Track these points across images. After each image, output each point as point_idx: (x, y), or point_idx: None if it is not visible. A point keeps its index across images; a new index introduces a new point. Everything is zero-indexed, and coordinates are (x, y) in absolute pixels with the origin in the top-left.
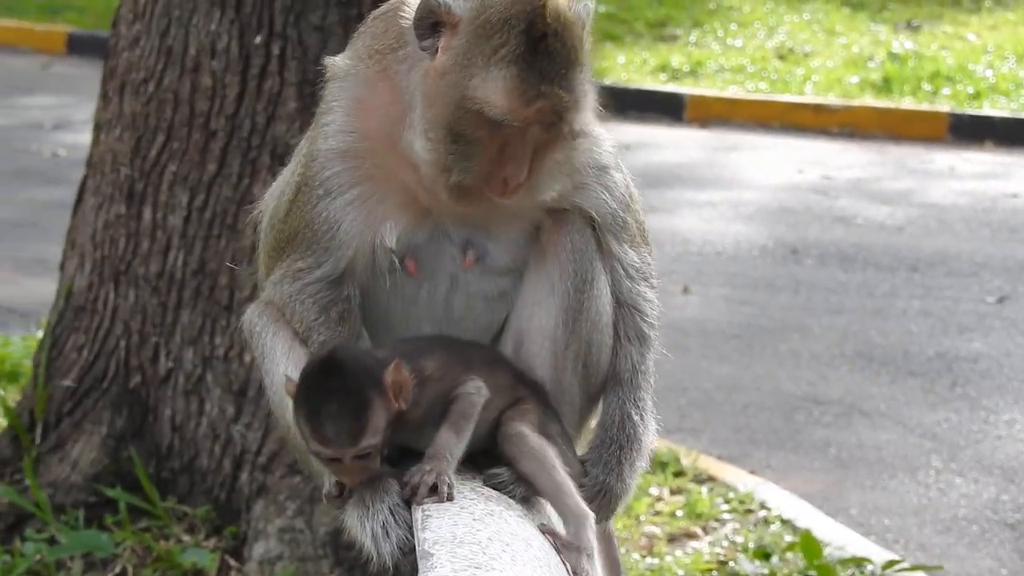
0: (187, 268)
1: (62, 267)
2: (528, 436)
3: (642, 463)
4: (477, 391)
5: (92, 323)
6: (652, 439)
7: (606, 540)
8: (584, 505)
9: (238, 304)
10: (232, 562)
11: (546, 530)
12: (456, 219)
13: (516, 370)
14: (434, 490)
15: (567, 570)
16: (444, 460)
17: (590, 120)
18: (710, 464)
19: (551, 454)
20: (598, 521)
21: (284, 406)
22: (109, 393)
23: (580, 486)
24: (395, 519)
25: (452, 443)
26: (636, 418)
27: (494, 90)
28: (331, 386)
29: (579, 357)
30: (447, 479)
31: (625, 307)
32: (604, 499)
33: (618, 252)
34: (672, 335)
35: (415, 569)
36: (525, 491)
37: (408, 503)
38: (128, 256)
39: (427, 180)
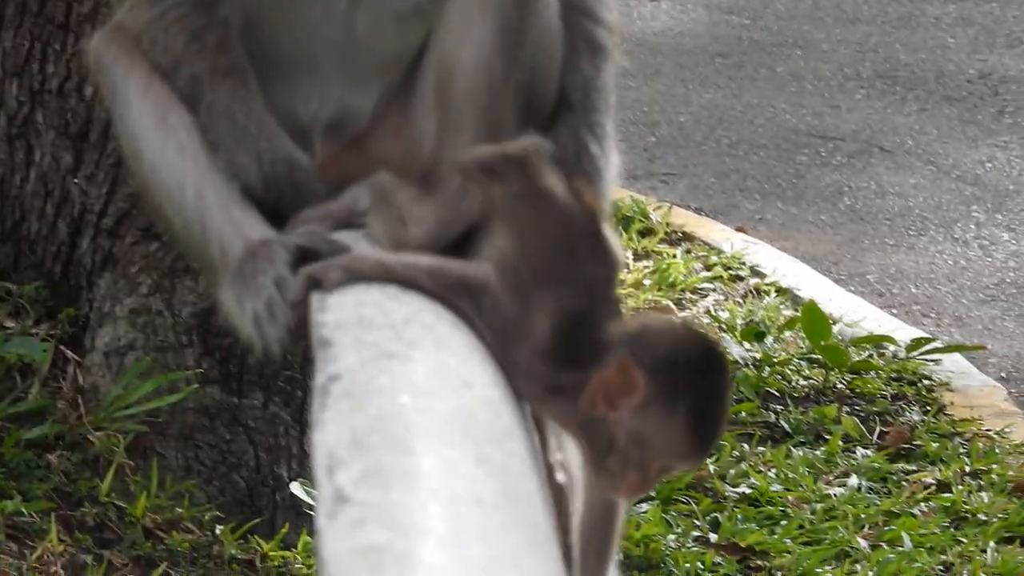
0: None
1: None
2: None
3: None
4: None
5: None
6: (614, 176)
7: None
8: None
9: (76, 22)
10: (70, 354)
11: None
12: None
13: None
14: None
15: None
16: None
17: None
18: (687, 219)
19: None
20: None
21: (140, 155)
22: None
23: None
24: (282, 296)
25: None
26: (595, 149)
27: None
28: None
29: (521, 89)
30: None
31: (573, 11)
32: None
33: None
34: (638, 54)
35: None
36: None
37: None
38: None
39: None
